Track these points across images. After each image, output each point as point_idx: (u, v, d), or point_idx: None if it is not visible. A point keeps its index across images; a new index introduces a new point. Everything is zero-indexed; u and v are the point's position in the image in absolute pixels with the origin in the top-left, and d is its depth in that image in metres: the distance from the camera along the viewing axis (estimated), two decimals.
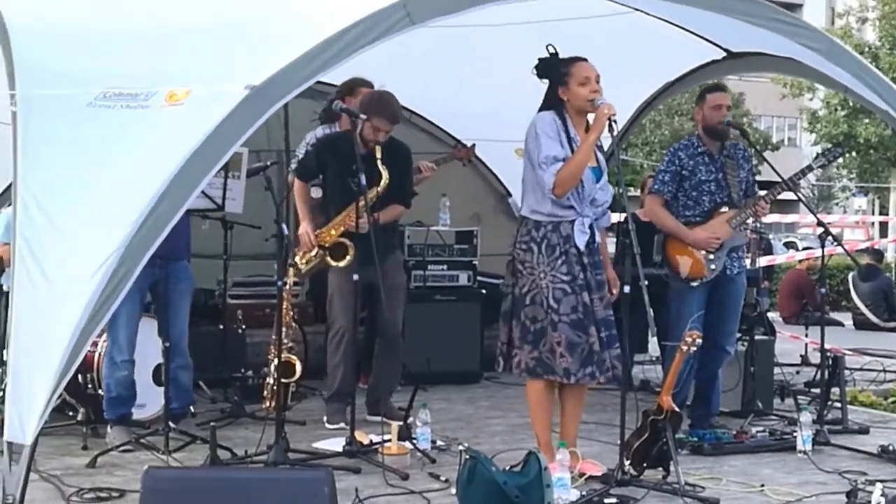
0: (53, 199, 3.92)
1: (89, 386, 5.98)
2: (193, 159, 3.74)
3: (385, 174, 5.85)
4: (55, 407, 3.68)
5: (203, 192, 4.27)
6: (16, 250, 3.88)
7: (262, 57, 4.02)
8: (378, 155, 5.80)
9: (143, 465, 4.37)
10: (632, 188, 16.77)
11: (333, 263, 5.88)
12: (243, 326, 7.28)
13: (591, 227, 5.07)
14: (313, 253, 5.98)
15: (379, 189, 5.88)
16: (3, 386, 4.70)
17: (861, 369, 8.97)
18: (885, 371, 9.03)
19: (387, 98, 5.94)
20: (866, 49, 27.98)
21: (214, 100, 3.87)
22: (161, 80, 4.14)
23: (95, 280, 3.60)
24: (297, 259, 6.02)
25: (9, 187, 5.26)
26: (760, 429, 6.27)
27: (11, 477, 3.54)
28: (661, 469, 4.97)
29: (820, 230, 6.78)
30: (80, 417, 5.90)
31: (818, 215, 6.88)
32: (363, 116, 5.73)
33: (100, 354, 5.89)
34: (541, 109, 5.16)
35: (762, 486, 5.07)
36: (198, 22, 4.88)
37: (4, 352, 4.00)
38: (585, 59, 5.11)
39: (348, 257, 5.78)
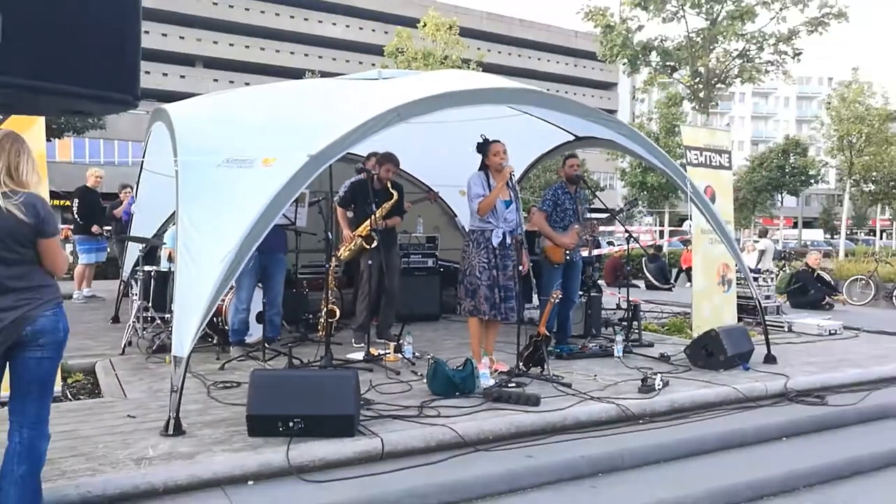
0: (200, 219, 3.89)
1: (219, 324, 5.95)
2: (277, 196, 3.72)
3: (395, 195, 6.13)
4: (200, 336, 3.66)
5: (284, 214, 4.25)
6: (178, 248, 3.86)
7: (316, 138, 3.99)
8: (389, 186, 6.12)
9: (251, 368, 4.38)
10: (525, 213, 16.82)
11: (367, 246, 5.94)
12: (307, 290, 7.22)
13: (504, 234, 5.10)
14: (353, 244, 6.02)
15: (391, 203, 6.12)
16: (172, 324, 4.67)
17: (649, 311, 9.09)
18: (662, 312, 9.15)
19: (392, 154, 6.10)
20: (652, 135, 28.26)
21: (290, 163, 3.84)
22: (260, 152, 4.11)
23: (223, 264, 3.57)
24: (341, 250, 6.09)
25: (172, 214, 5.22)
26: (594, 345, 6.33)
27: (176, 374, 3.54)
28: (539, 368, 5.00)
29: (626, 235, 6.91)
30: (214, 342, 5.92)
31: (626, 227, 6.95)
32: (375, 171, 6.02)
33: (226, 306, 5.86)
34: (479, 170, 5.21)
35: (595, 375, 5.12)
36: (281, 117, 4.85)
37: (172, 305, 3.97)
38: (498, 141, 5.16)
39: (374, 242, 5.88)
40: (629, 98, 45.92)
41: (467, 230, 5.25)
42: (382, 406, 4.09)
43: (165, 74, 39.59)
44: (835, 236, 43.00)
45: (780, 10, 19.77)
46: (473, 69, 24.29)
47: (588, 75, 52.88)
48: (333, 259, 5.75)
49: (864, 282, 12.34)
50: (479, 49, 31.28)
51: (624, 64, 21.22)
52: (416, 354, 5.56)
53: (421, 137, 6.37)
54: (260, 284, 5.92)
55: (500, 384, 4.58)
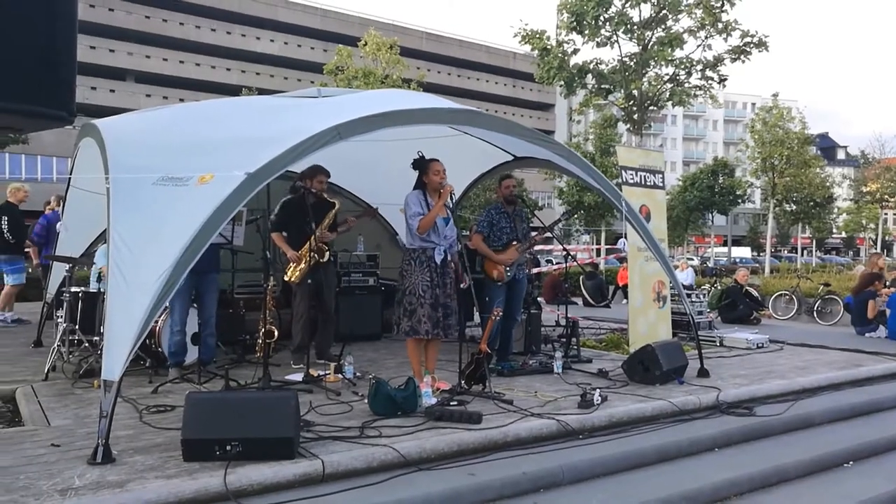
0: (133, 238, 3.76)
1: (153, 346, 5.77)
2: (214, 215, 3.65)
3: (336, 203, 6.11)
4: (132, 359, 3.53)
5: (220, 233, 4.16)
6: (109, 268, 3.72)
7: (254, 156, 3.94)
8: (326, 198, 6.05)
9: (186, 391, 4.26)
10: (464, 230, 17.04)
11: (322, 260, 5.81)
12: (243, 310, 7.07)
13: (444, 251, 5.11)
14: (303, 262, 5.84)
15: (334, 211, 6.06)
16: (101, 347, 4.49)
17: (587, 328, 9.23)
18: (600, 329, 9.29)
19: (319, 165, 5.92)
20: (588, 155, 28.98)
21: (227, 181, 3.77)
22: (196, 169, 4.02)
23: (157, 285, 3.47)
24: (288, 272, 5.90)
25: (104, 231, 5.04)
26: (534, 361, 6.37)
27: (106, 399, 3.40)
28: (481, 385, 5.01)
29: (564, 253, 7.04)
30: (147, 364, 5.73)
31: (564, 245, 7.09)
32: (307, 185, 5.84)
33: (160, 328, 5.70)
34: (414, 188, 5.21)
35: (535, 392, 5.17)
36: (219, 134, 4.76)
37: (102, 327, 3.81)
38: (438, 160, 5.18)
39: (327, 255, 5.90)
40: (566, 119, 47.12)
41: (405, 249, 5.21)
42: (323, 427, 4.03)
43: (94, 88, 38.31)
44: (761, 254, 44.98)
45: (706, 38, 20.77)
46: (414, 89, 24.53)
47: (526, 96, 54.02)
48: (272, 279, 5.66)
49: (787, 297, 12.94)
50: (418, 69, 31.58)
51: (561, 86, 21.76)
52: (357, 374, 5.51)
53: (361, 156, 6.38)
54: (194, 305, 5.76)
55: (442, 402, 4.57)
